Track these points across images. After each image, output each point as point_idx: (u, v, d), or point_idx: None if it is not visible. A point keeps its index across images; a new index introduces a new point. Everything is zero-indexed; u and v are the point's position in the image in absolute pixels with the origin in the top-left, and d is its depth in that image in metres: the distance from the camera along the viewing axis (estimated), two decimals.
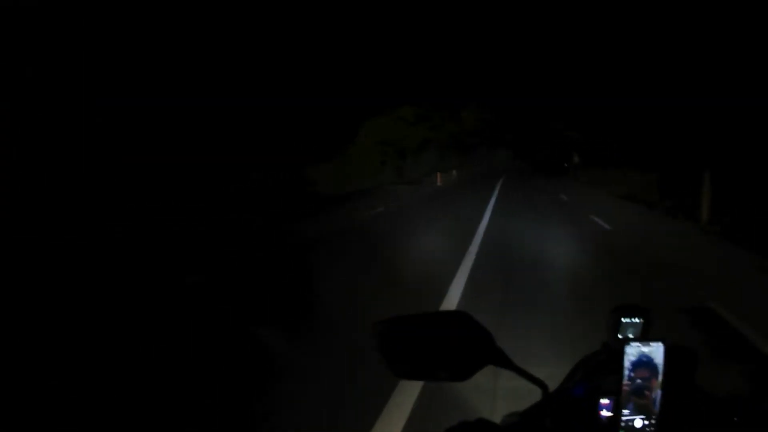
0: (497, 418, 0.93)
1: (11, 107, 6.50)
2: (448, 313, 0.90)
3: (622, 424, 0.87)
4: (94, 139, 7.27)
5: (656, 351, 0.87)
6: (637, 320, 0.96)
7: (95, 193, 7.26)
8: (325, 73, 11.91)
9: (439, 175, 28.46)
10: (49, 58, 6.86)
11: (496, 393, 2.87)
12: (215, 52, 8.85)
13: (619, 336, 0.96)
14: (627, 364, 0.87)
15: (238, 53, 9.35)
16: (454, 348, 0.88)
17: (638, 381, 0.87)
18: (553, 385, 0.97)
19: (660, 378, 0.87)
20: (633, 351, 0.87)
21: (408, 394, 3.00)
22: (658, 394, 0.87)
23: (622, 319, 0.96)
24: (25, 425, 2.75)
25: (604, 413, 0.91)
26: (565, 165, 47.04)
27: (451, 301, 5.03)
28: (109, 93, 7.40)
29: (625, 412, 0.87)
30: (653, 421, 0.88)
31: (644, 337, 0.94)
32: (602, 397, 0.92)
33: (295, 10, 9.41)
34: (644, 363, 0.87)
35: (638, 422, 0.87)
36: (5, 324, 4.12)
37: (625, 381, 0.87)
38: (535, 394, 0.90)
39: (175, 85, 8.31)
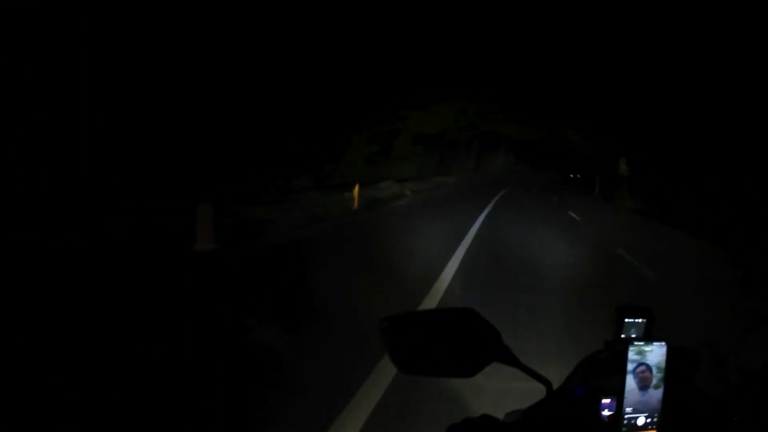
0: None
1: (11, 107, 6.50)
2: (456, 311, 0.91)
3: (624, 422, 0.88)
4: (94, 139, 7.27)
5: (658, 351, 0.89)
6: (639, 320, 0.97)
7: (95, 192, 7.26)
8: (321, 72, 11.91)
9: (356, 193, 13.91)
10: (49, 58, 6.86)
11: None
12: (215, 52, 8.86)
13: (622, 336, 0.97)
14: (630, 363, 0.88)
15: (238, 53, 9.36)
16: (461, 345, 0.89)
17: (640, 380, 0.89)
18: (557, 383, 0.98)
19: (662, 377, 0.89)
20: (636, 350, 0.88)
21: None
22: (659, 393, 0.89)
23: (626, 320, 0.97)
24: (24, 425, 2.76)
25: (606, 413, 0.93)
26: (578, 177, 33.75)
27: None
28: (109, 93, 7.40)
29: (627, 410, 0.88)
30: (655, 420, 0.89)
31: (647, 337, 0.96)
32: (604, 397, 0.93)
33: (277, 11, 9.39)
34: (647, 362, 0.89)
35: (641, 420, 0.89)
36: (8, 323, 4.12)
37: (628, 380, 0.88)
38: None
39: (175, 85, 8.31)
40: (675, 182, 16.37)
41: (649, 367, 0.88)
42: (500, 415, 0.96)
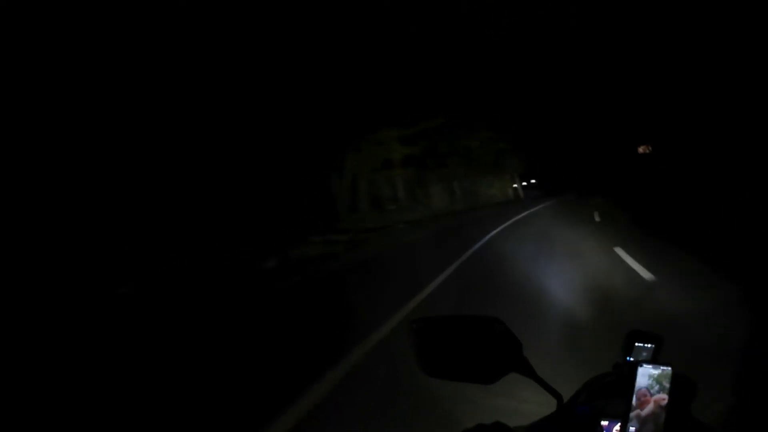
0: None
1: (11, 107, 6.46)
2: (483, 318, 0.94)
3: None
4: (95, 139, 7.24)
5: (664, 376, 0.91)
6: (649, 345, 1.00)
7: (95, 193, 7.23)
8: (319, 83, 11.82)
9: None
10: (49, 58, 6.81)
11: None
12: (215, 53, 8.82)
13: (631, 359, 1.00)
14: (637, 386, 0.90)
15: (238, 58, 9.31)
16: (483, 352, 0.92)
17: (645, 403, 0.90)
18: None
19: (666, 402, 0.90)
20: (643, 374, 0.91)
21: None
22: (662, 417, 0.90)
23: (636, 344, 1.00)
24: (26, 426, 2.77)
25: None
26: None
27: None
28: (109, 93, 7.35)
29: (631, 429, 0.90)
30: None
31: (654, 362, 0.98)
32: (603, 419, 0.95)
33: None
34: (652, 386, 0.91)
35: None
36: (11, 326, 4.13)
37: (633, 403, 0.90)
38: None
39: (175, 85, 8.27)
40: None
41: (653, 391, 0.90)
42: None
